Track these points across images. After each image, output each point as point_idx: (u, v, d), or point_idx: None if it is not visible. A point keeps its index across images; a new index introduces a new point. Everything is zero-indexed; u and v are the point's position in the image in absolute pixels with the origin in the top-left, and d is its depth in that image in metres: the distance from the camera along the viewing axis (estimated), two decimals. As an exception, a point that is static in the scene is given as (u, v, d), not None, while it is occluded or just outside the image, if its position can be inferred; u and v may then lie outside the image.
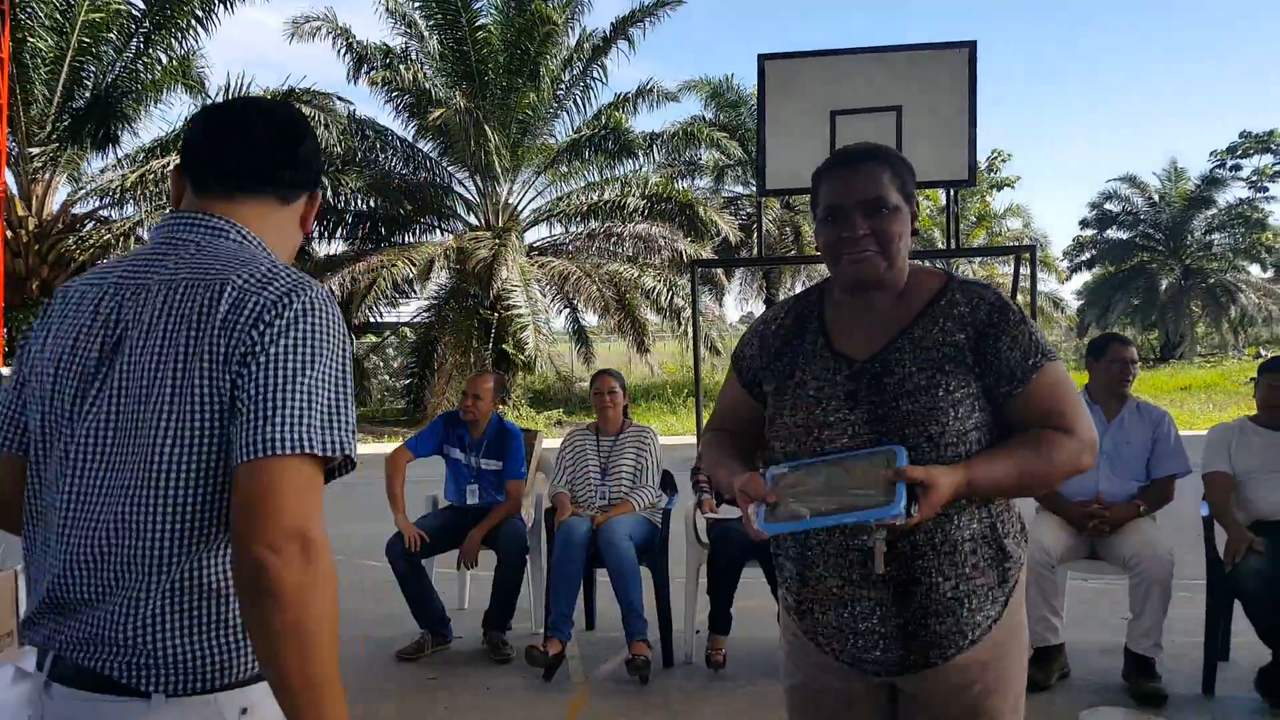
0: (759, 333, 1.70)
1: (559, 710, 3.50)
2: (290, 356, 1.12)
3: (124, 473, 1.15)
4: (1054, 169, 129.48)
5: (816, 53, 7.16)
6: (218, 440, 1.12)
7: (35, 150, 14.06)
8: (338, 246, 17.88)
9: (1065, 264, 35.49)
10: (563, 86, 17.12)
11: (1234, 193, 32.05)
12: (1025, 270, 6.51)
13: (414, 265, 15.46)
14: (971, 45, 6.60)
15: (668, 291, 16.41)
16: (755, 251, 18.09)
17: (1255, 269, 34.50)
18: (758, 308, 24.58)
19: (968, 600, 1.51)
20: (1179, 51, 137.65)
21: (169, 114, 21.34)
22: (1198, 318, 32.61)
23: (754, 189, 21.31)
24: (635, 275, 16.64)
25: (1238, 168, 32.66)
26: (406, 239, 17.77)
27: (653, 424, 15.76)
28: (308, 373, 1.12)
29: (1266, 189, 32.21)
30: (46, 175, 14.71)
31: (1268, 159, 32.37)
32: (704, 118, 20.55)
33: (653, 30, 17.90)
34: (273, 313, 1.14)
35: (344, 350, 1.18)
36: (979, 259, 24.49)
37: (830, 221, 1.58)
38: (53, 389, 1.21)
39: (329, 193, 15.99)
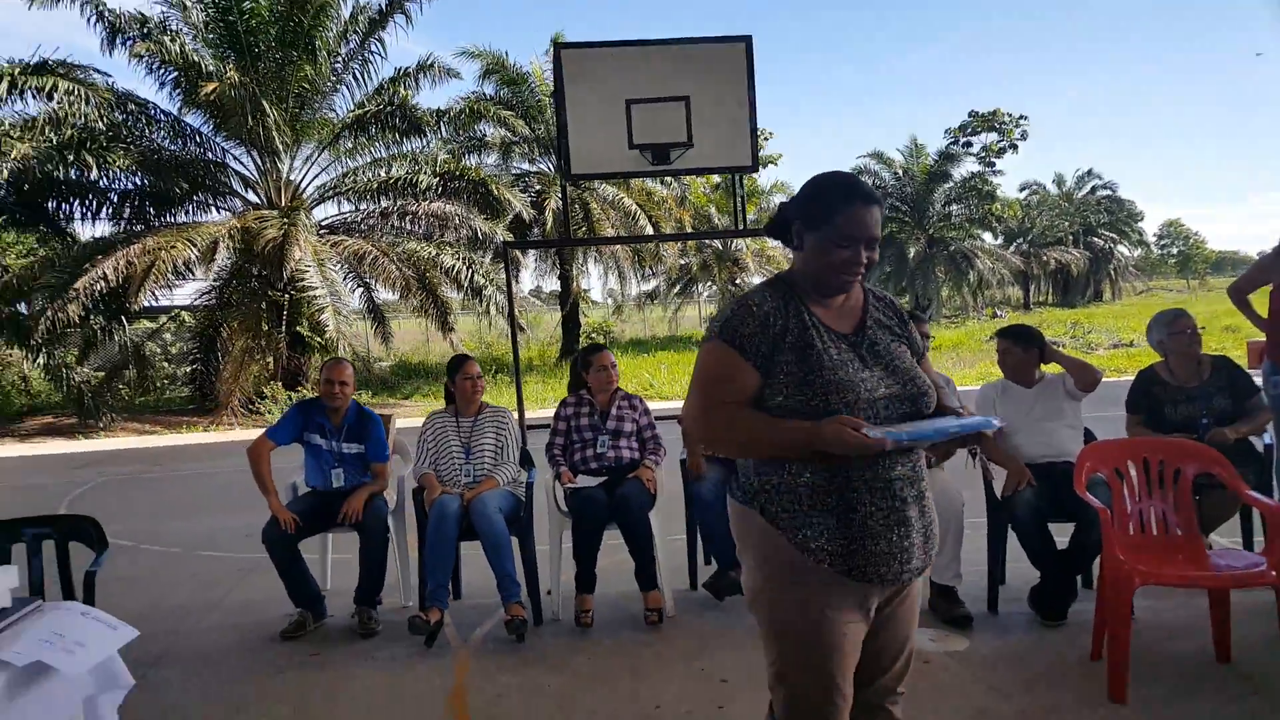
0: (755, 315, 1.97)
1: (446, 670, 3.82)
2: None
3: None
4: (811, 150, 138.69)
5: (609, 43, 7.58)
6: None
7: None
8: (102, 228, 16.54)
9: (827, 239, 38.37)
10: (340, 60, 16.62)
11: (967, 167, 36.12)
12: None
13: (195, 246, 14.58)
14: (748, 40, 7.26)
15: (467, 270, 16.47)
16: (549, 229, 18.51)
17: (988, 236, 39.08)
18: (552, 283, 25.06)
19: (932, 508, 2.07)
20: (904, 39, 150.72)
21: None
22: (942, 282, 36.58)
23: (542, 166, 21.68)
24: (434, 254, 16.56)
25: (969, 144, 36.78)
26: (179, 218, 16.68)
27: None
28: None
29: (993, 164, 36.51)
30: None
31: (993, 136, 36.66)
32: (485, 94, 20.60)
33: (430, 5, 17.67)
34: None
35: None
36: (764, 237, 26.21)
37: (845, 246, 1.96)
38: None
39: (92, 171, 14.74)
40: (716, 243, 25.93)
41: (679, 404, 4.42)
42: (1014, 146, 36.55)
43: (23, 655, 2.03)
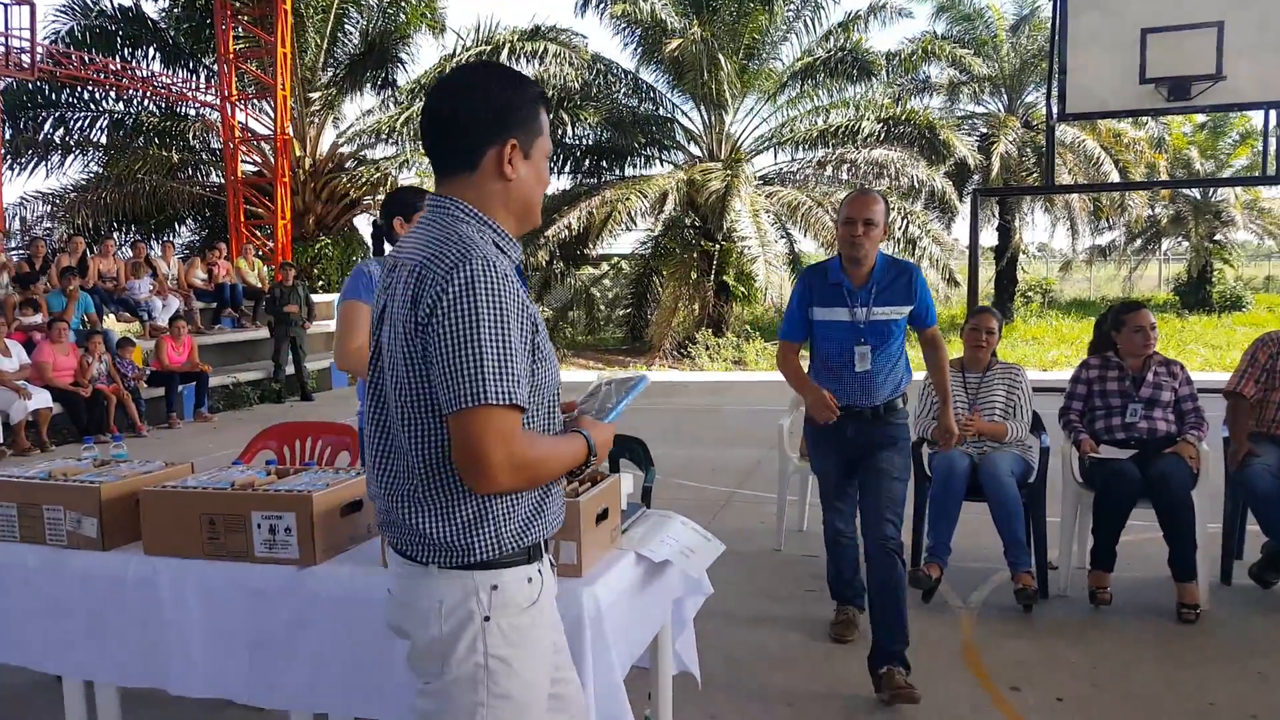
0: None
1: (951, 627, 3.69)
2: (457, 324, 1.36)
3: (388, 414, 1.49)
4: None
5: (1129, -32, 6.88)
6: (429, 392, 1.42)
7: (315, 95, 15.35)
8: (564, 182, 18.56)
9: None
10: (792, 8, 16.74)
11: None
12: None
13: (646, 198, 15.80)
14: (1318, -53, 6.10)
15: (902, 220, 15.96)
16: (994, 175, 17.24)
17: None
18: (989, 238, 23.47)
19: None
20: None
21: (417, 56, 22.75)
22: None
23: (991, 107, 20.22)
24: (868, 204, 16.25)
25: None
26: (628, 172, 18.10)
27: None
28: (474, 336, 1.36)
29: None
30: (319, 119, 16.09)
31: None
32: (935, 33, 19.58)
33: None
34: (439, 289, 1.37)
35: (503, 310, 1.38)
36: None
37: None
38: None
39: (567, 129, 16.53)
40: (1195, 192, 22.37)
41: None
42: None
43: (657, 553, 2.23)
